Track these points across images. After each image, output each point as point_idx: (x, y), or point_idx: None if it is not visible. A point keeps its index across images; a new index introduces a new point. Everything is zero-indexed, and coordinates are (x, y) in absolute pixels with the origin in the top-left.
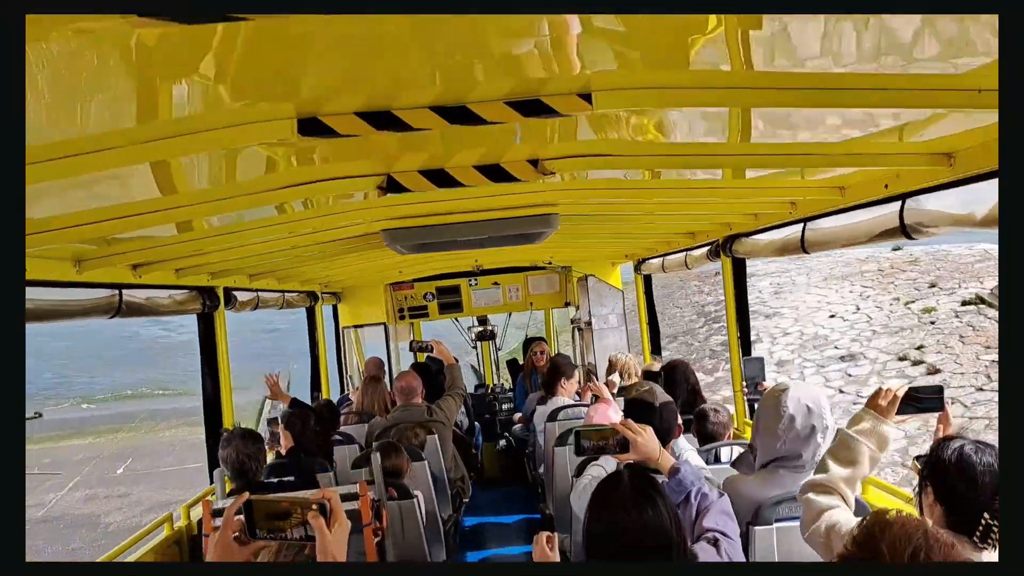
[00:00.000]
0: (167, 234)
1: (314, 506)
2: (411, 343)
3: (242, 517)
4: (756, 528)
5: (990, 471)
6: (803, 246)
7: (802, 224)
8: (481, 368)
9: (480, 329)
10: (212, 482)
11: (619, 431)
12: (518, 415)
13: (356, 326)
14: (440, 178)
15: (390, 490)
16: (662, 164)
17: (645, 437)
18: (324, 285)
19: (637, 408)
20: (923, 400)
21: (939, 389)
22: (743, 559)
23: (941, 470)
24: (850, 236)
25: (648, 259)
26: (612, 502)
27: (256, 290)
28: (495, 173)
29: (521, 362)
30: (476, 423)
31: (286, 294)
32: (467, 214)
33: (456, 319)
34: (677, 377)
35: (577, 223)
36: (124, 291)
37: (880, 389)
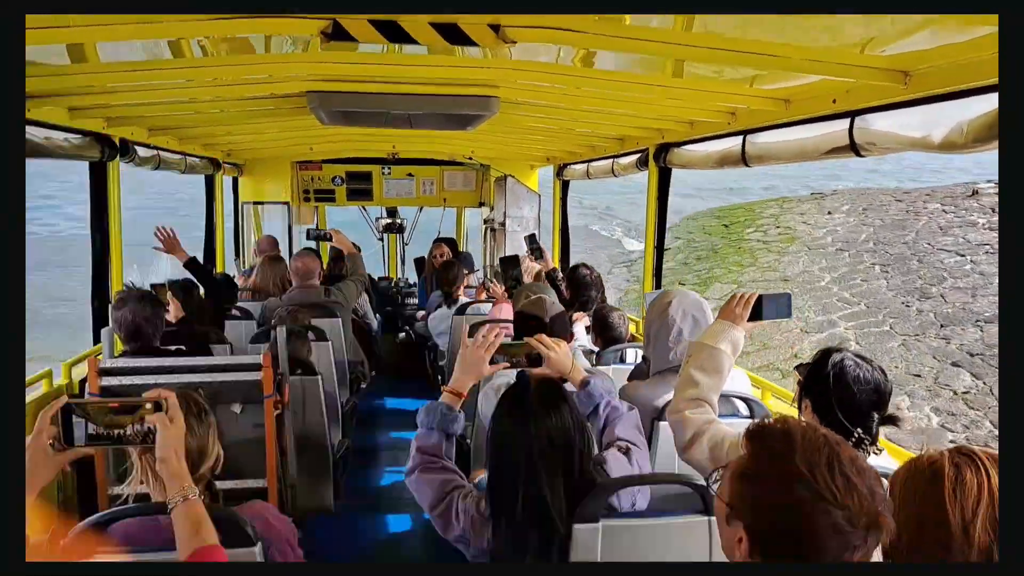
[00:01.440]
0: (58, 61)
1: (148, 405)
2: (308, 231)
3: (56, 426)
4: (660, 423)
5: (869, 386)
6: (744, 159)
7: (742, 136)
8: (386, 261)
9: (388, 221)
10: (97, 342)
11: (533, 346)
12: (420, 312)
13: (257, 202)
14: (392, 31)
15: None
16: (609, 45)
17: (559, 352)
18: (227, 153)
19: (523, 319)
20: (775, 307)
21: (788, 296)
22: (651, 470)
23: (821, 381)
24: (798, 151)
25: (571, 164)
26: (518, 410)
27: (156, 147)
28: (452, 34)
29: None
30: (377, 314)
31: (188, 158)
32: (403, 85)
33: (364, 208)
34: (578, 280)
35: (510, 111)
36: None
37: (734, 296)
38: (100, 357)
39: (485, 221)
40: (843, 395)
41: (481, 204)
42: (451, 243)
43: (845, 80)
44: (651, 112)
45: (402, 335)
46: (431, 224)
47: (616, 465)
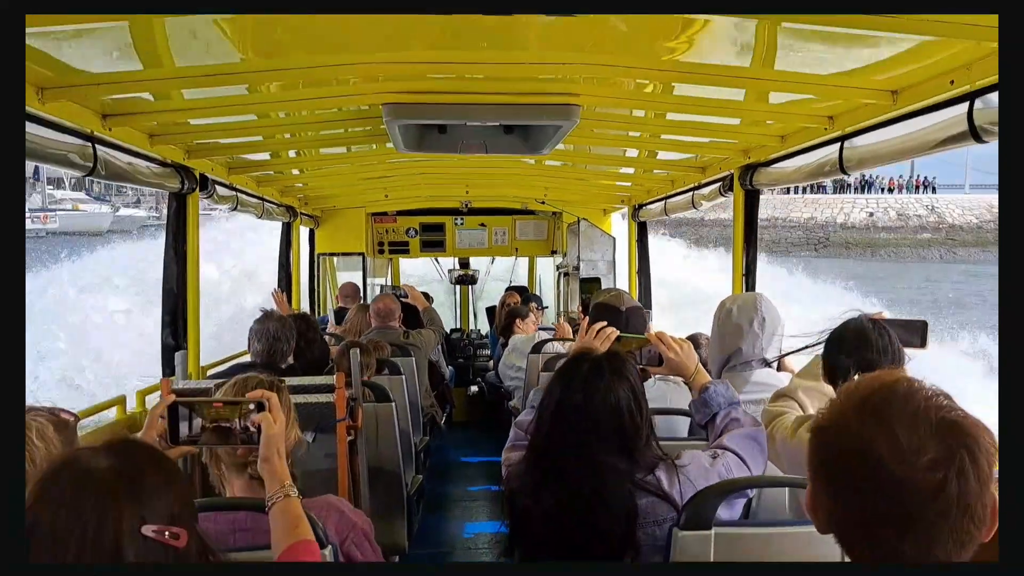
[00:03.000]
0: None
1: (252, 405)
2: (382, 287)
3: (164, 421)
4: None
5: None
6: (842, 167)
7: (839, 143)
8: (458, 313)
9: (461, 272)
10: (168, 373)
11: (652, 342)
12: (492, 363)
13: (332, 254)
14: None
15: (366, 392)
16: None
17: (680, 353)
18: (303, 202)
19: (602, 312)
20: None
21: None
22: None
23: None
24: (903, 147)
25: (646, 204)
26: (567, 379)
27: (235, 188)
28: None
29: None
30: (450, 367)
31: (265, 203)
32: (479, 95)
33: (436, 260)
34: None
35: (587, 134)
36: (98, 147)
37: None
38: (174, 378)
39: (558, 267)
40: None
41: (553, 252)
42: (522, 291)
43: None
44: (737, 131)
45: (474, 388)
46: (504, 275)
47: (694, 466)
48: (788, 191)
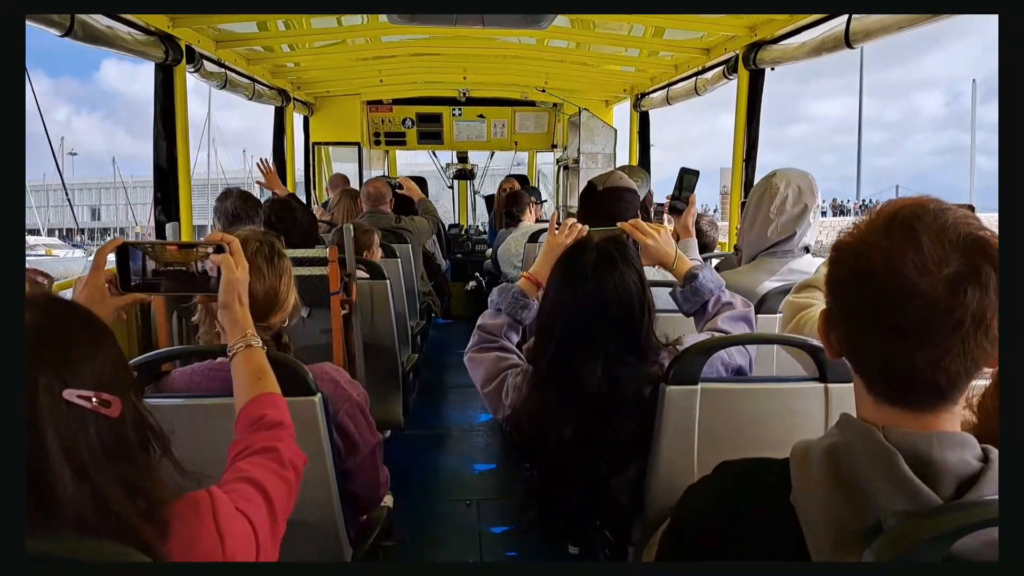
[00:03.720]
0: None
1: (210, 248)
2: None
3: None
4: (759, 316)
5: None
6: (847, 39)
7: (847, 14)
8: (457, 208)
9: (459, 166)
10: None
11: (627, 231)
12: (490, 252)
13: (327, 143)
14: None
15: (360, 267)
16: None
17: (658, 239)
18: (296, 86)
19: (605, 195)
20: None
21: None
22: (745, 367)
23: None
24: (913, 15)
25: (649, 92)
26: (571, 268)
27: (224, 64)
28: None
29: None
30: (448, 260)
31: (256, 84)
32: None
33: (434, 154)
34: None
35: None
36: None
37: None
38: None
39: (558, 161)
40: None
41: (554, 147)
42: (522, 180)
43: None
44: (745, 2)
45: (472, 283)
46: (503, 171)
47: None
48: None
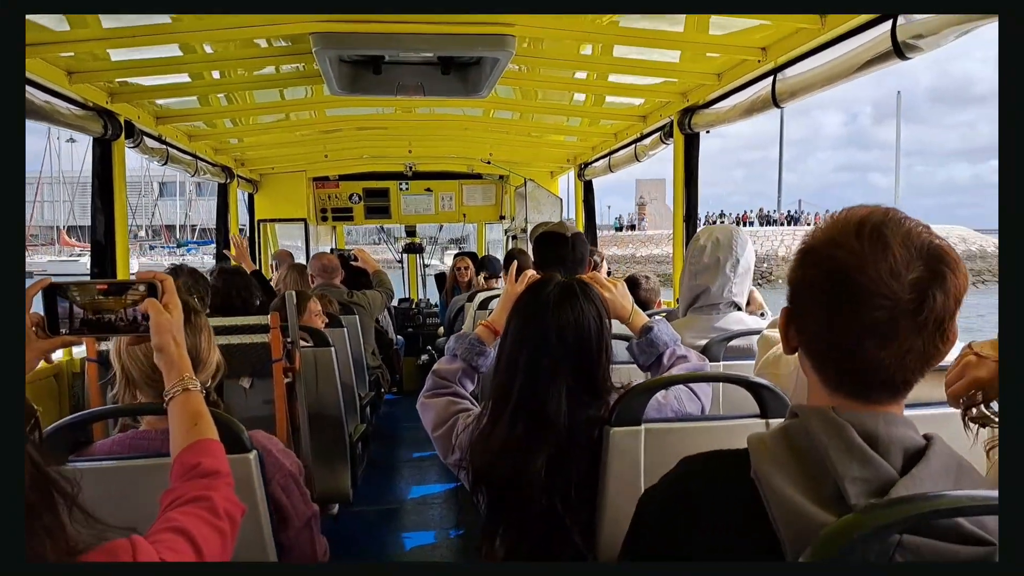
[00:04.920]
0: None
1: (141, 287)
2: (331, 250)
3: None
4: None
5: None
6: (775, 99)
7: (771, 76)
8: (407, 282)
9: (408, 241)
10: None
11: (587, 283)
12: (442, 329)
13: (273, 220)
14: None
15: (305, 336)
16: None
17: (615, 292)
18: (240, 163)
19: (547, 241)
20: None
21: None
22: (697, 411)
23: None
24: (832, 72)
25: (592, 162)
26: (532, 303)
27: (164, 140)
28: None
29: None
30: (400, 336)
31: (199, 161)
32: (411, 24)
33: (382, 229)
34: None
35: (529, 75)
36: None
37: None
38: None
39: (506, 231)
40: None
41: (502, 218)
42: (473, 257)
43: None
44: (677, 69)
45: (424, 357)
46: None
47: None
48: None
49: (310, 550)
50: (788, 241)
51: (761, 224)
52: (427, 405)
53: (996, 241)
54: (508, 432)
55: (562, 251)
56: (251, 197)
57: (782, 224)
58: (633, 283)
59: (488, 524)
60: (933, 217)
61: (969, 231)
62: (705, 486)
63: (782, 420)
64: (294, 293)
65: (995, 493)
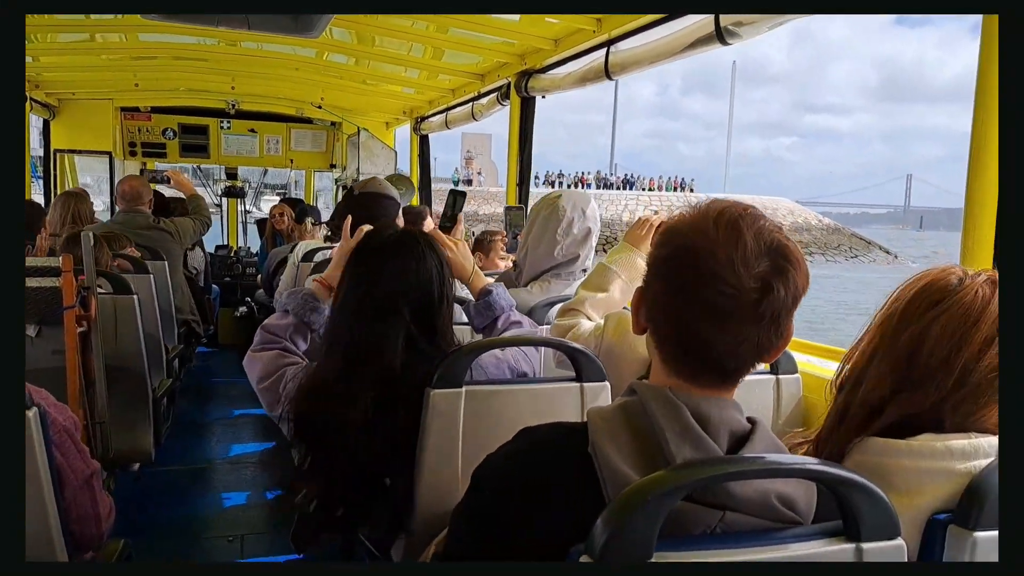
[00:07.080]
0: None
1: None
2: (142, 171)
3: None
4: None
5: None
6: (607, 72)
7: (605, 48)
8: (226, 229)
9: (229, 184)
10: None
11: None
12: (260, 278)
13: (72, 151)
14: None
15: (101, 283)
16: None
17: (456, 252)
18: (34, 84)
19: (369, 201)
20: None
21: None
22: (529, 374)
23: None
24: (660, 50)
25: (428, 116)
26: (374, 252)
27: None
28: None
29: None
30: (215, 285)
31: None
32: None
33: (200, 168)
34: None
35: (368, 21)
36: None
37: (639, 219)
38: None
39: (336, 180)
40: None
41: (332, 167)
42: (295, 204)
43: None
44: (515, 30)
45: (243, 308)
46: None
47: (488, 355)
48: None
49: (92, 510)
50: (632, 206)
51: (598, 187)
52: (254, 359)
53: (816, 213)
54: (336, 373)
55: (376, 211)
56: (46, 123)
57: (618, 188)
58: (483, 241)
59: (304, 477)
60: (738, 187)
61: (794, 204)
62: (552, 457)
63: (594, 384)
64: (91, 234)
65: (787, 458)
